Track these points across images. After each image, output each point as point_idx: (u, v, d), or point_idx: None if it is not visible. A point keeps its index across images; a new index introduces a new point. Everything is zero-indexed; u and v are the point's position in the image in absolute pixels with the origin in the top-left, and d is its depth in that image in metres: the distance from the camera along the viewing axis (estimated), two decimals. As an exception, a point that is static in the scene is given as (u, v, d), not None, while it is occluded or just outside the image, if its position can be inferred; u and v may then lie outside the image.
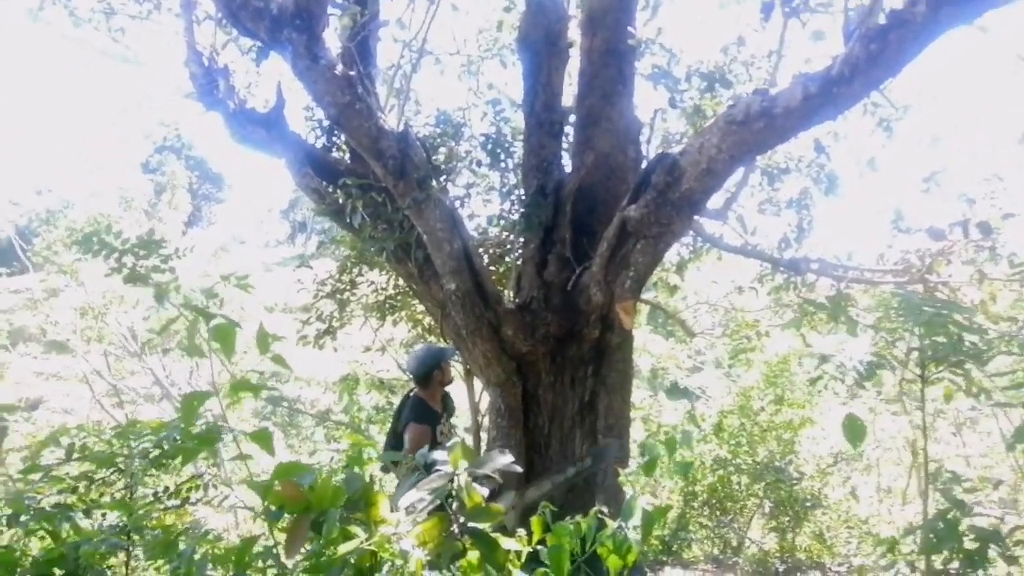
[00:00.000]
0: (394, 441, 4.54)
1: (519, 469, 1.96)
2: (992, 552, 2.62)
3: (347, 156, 5.71)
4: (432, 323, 6.46)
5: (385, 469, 4.40)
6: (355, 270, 6.25)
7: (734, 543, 7.01)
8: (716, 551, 6.91)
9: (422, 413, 4.55)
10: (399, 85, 6.08)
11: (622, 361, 5.60)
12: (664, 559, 6.60)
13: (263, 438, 1.64)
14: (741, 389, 8.26)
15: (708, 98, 5.78)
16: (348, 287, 6.28)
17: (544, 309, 5.29)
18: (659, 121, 6.13)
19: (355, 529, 1.70)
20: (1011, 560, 2.56)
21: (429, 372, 4.50)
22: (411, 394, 4.60)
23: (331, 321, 6.36)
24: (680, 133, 6.88)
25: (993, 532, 2.60)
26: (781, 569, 6.13)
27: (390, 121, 5.03)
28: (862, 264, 6.64)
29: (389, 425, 4.77)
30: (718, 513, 7.35)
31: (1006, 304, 7.26)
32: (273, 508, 1.66)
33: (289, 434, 15.53)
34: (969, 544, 2.55)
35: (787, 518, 6.85)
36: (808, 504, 6.81)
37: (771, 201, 6.62)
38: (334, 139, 5.83)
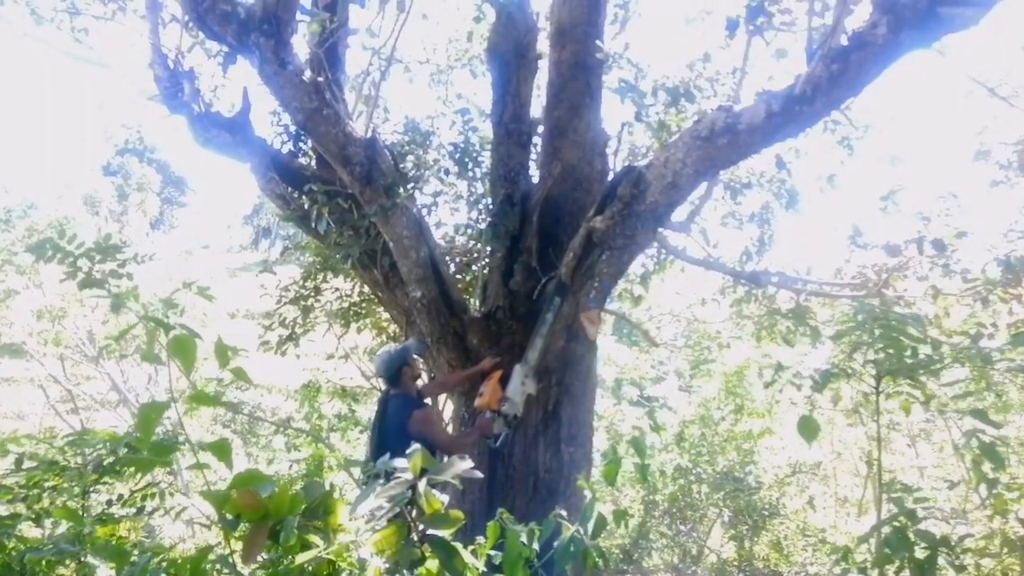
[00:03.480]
0: (382, 447, 4.32)
1: (479, 475, 1.97)
2: (941, 560, 2.69)
3: (313, 162, 5.68)
4: (397, 330, 6.44)
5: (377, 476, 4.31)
6: (320, 276, 6.21)
7: (693, 552, 7.07)
8: (676, 560, 6.96)
9: (416, 403, 4.47)
10: (368, 92, 6.07)
11: (586, 371, 5.63)
12: (625, 568, 6.63)
13: (221, 449, 1.62)
14: (702, 399, 8.36)
15: (673, 113, 5.86)
16: (312, 293, 6.23)
17: (509, 318, 5.30)
18: (625, 134, 6.21)
19: (313, 538, 1.69)
20: (960, 568, 2.63)
21: (398, 371, 4.45)
22: (389, 396, 4.51)
23: (294, 327, 6.30)
24: (646, 147, 6.98)
25: (942, 539, 2.67)
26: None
27: (358, 128, 5.02)
28: (820, 278, 6.79)
29: (370, 436, 4.59)
30: (678, 522, 7.41)
31: (959, 319, 7.48)
32: (229, 516, 1.65)
33: (249, 442, 15.27)
34: (920, 552, 2.61)
35: (746, 527, 6.93)
36: (766, 513, 6.91)
37: (733, 215, 6.74)
38: (300, 144, 5.80)
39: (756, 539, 6.92)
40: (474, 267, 6.27)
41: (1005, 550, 3.70)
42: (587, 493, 2.16)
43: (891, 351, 3.11)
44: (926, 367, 3.08)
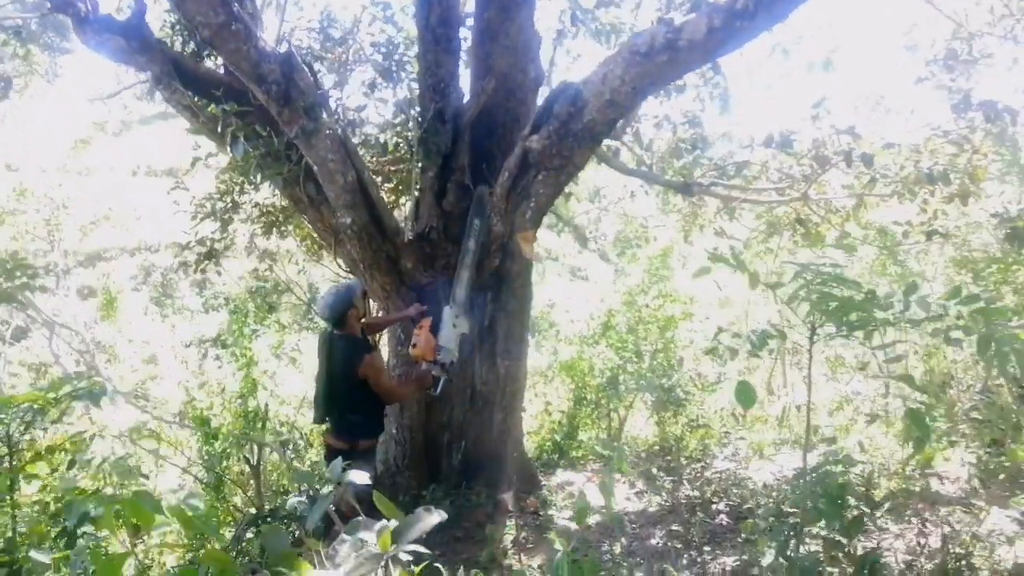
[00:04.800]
0: (332, 387, 4.22)
1: (444, 515, 1.92)
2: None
3: (222, 67, 5.16)
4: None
5: (320, 420, 4.28)
6: (236, 188, 5.78)
7: (619, 442, 7.44)
8: (604, 450, 7.30)
9: (364, 345, 4.29)
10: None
11: (521, 287, 5.63)
12: (555, 459, 6.95)
13: (140, 510, 1.55)
14: (627, 289, 8.51)
15: (610, 14, 5.56)
16: (230, 208, 5.82)
17: (443, 239, 5.17)
18: (560, 44, 5.87)
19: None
20: (882, 529, 2.85)
21: (343, 314, 4.22)
22: (334, 336, 4.23)
23: (212, 244, 5.91)
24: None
25: (869, 499, 2.88)
26: (663, 464, 6.61)
27: (270, 36, 4.55)
28: (746, 184, 6.84)
29: (318, 377, 4.43)
30: (609, 412, 7.77)
31: (873, 213, 7.77)
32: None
33: (164, 304, 14.93)
34: (849, 513, 2.81)
35: (668, 414, 7.33)
36: (686, 399, 7.27)
37: (667, 117, 6.60)
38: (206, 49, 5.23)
39: (677, 420, 7.34)
40: (403, 166, 5.93)
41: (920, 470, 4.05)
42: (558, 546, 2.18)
43: (829, 305, 3.18)
44: (860, 327, 3.16)
